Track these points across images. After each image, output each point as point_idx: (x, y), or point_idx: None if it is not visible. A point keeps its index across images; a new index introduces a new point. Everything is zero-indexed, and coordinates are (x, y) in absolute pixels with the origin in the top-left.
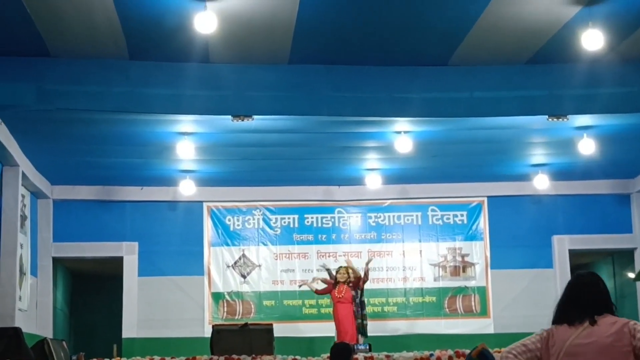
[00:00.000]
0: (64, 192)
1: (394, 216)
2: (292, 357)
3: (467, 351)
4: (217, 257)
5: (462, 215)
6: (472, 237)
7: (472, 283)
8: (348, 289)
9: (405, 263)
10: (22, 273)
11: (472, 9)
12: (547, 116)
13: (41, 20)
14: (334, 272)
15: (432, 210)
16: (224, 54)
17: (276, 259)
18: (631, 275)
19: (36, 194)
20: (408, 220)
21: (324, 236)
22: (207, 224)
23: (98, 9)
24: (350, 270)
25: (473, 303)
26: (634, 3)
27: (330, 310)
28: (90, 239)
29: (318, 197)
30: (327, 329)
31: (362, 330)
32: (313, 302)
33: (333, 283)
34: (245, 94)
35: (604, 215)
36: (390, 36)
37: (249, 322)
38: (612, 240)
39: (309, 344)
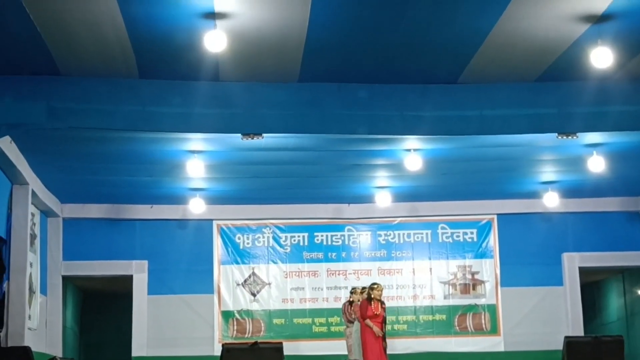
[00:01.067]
0: (74, 211)
1: (403, 234)
2: None
3: None
4: (227, 275)
5: (472, 232)
6: (482, 254)
7: (482, 301)
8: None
9: (415, 281)
10: (31, 292)
11: (481, 26)
12: (556, 134)
13: (52, 39)
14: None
15: (442, 228)
16: (233, 72)
17: (286, 277)
18: None
19: (46, 213)
20: (418, 238)
21: (334, 254)
22: (217, 242)
23: (108, 27)
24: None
25: (483, 321)
26: None
27: (341, 328)
28: (100, 257)
29: (328, 215)
30: (337, 348)
31: None
32: (323, 320)
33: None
34: (255, 112)
35: (614, 232)
36: (399, 54)
37: (259, 341)
38: (622, 257)
39: None
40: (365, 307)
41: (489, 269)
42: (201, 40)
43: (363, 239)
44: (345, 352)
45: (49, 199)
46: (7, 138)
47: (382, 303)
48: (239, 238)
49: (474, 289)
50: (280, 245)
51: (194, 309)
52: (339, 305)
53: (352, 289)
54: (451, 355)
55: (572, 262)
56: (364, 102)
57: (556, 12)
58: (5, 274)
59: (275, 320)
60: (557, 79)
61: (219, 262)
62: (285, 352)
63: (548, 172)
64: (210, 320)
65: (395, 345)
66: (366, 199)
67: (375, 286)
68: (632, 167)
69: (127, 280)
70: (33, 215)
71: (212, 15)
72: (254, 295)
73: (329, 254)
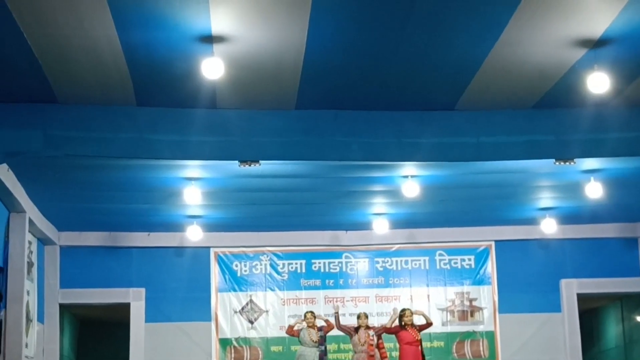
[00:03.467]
0: (71, 239)
1: (401, 261)
2: None
3: None
4: (224, 303)
5: (469, 259)
6: (479, 281)
7: (480, 328)
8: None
9: (413, 308)
10: (28, 320)
11: (477, 52)
12: (554, 160)
13: (49, 67)
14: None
15: (440, 254)
16: (231, 99)
17: (283, 305)
18: None
19: (43, 241)
20: (415, 264)
21: (332, 281)
22: (214, 270)
23: (106, 55)
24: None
25: (481, 348)
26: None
27: (339, 355)
28: (97, 285)
29: (325, 242)
30: None
31: None
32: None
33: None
34: (252, 139)
35: (612, 258)
36: (397, 81)
37: None
38: (621, 284)
39: None
40: (399, 330)
41: (487, 296)
42: (199, 67)
43: (361, 265)
44: None
45: (46, 227)
46: (4, 166)
47: (415, 327)
48: (236, 265)
49: (472, 315)
50: (278, 273)
51: (191, 336)
52: (337, 332)
53: (358, 314)
54: None
55: (571, 289)
56: (361, 129)
57: (552, 37)
58: (2, 302)
59: (273, 348)
60: (554, 106)
61: (217, 290)
62: None
63: (545, 199)
64: (207, 348)
65: None
66: (363, 225)
67: (403, 313)
68: (630, 193)
69: (124, 308)
70: (30, 243)
71: (209, 39)
72: (251, 322)
73: (327, 281)
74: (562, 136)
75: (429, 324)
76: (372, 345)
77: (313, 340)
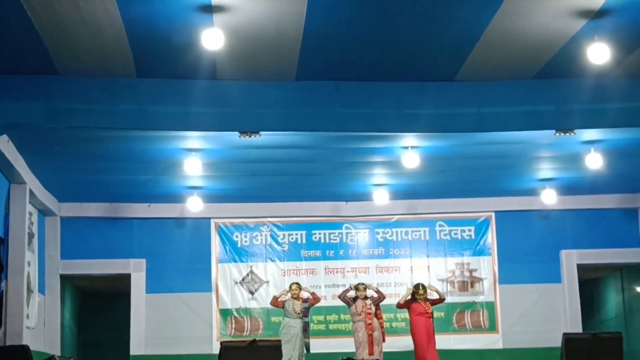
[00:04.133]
0: (72, 210)
1: (401, 232)
2: None
3: None
4: (224, 274)
5: (469, 230)
6: (480, 252)
7: (480, 298)
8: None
9: (413, 279)
10: (29, 291)
11: (477, 23)
12: (554, 131)
13: (49, 38)
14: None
15: (440, 225)
16: (231, 70)
17: (284, 275)
18: None
19: (44, 212)
20: (416, 235)
21: (332, 252)
22: (215, 241)
23: (106, 26)
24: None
25: (481, 318)
26: None
27: (339, 326)
28: (98, 256)
29: (326, 213)
30: (335, 345)
31: (307, 348)
32: (321, 318)
33: (411, 299)
34: (252, 110)
35: (612, 229)
36: (397, 52)
37: (257, 339)
38: (621, 254)
39: None
40: (411, 303)
41: (487, 267)
42: (199, 38)
43: (361, 236)
44: (345, 350)
45: (47, 198)
46: (5, 137)
47: (429, 300)
48: (236, 236)
49: (472, 286)
50: (278, 244)
51: (192, 307)
52: (337, 303)
53: (357, 285)
54: (449, 353)
55: (571, 259)
56: (361, 99)
57: (552, 7)
58: (3, 273)
59: (274, 318)
60: (554, 76)
61: (217, 261)
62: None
63: (546, 169)
64: (208, 319)
65: (394, 343)
66: (364, 196)
67: (416, 289)
68: (630, 163)
69: (125, 279)
70: (31, 214)
71: (209, 9)
72: (252, 293)
73: (327, 251)
74: (562, 107)
75: (441, 299)
76: (370, 314)
77: (296, 312)
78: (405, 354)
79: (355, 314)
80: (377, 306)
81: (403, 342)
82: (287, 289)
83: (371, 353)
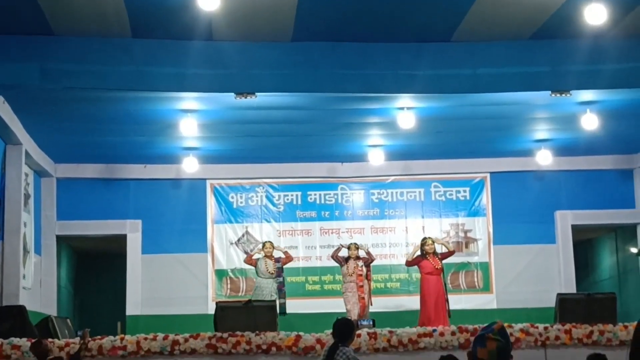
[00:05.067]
0: (68, 171)
1: (396, 192)
2: (296, 333)
3: (470, 327)
4: (220, 235)
5: (464, 191)
6: (474, 213)
7: (475, 259)
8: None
9: (408, 239)
10: (26, 252)
11: None
12: (550, 92)
13: None
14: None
15: (435, 186)
16: (227, 31)
17: (279, 236)
18: (634, 250)
19: (40, 173)
20: (411, 196)
21: (327, 213)
22: (211, 202)
23: None
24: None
25: (476, 279)
26: None
27: (334, 286)
28: (94, 217)
29: (321, 174)
30: (330, 305)
31: (282, 309)
32: (316, 278)
33: (422, 255)
34: (248, 71)
35: (607, 190)
36: (393, 12)
37: (253, 299)
38: (615, 215)
39: (313, 320)
40: (420, 261)
41: (481, 227)
42: None
43: (356, 197)
44: (340, 310)
45: (43, 159)
46: (0, 98)
47: (437, 255)
48: (232, 197)
49: (466, 247)
50: (274, 204)
51: (187, 268)
52: (332, 263)
53: (349, 245)
54: None
55: (565, 220)
56: (357, 60)
57: None
58: (0, 234)
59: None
60: (551, 37)
61: (213, 222)
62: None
63: (541, 130)
64: (204, 279)
65: (388, 303)
66: (359, 157)
67: (424, 242)
68: (626, 124)
69: (121, 240)
70: (27, 175)
71: None
72: (247, 254)
73: (322, 212)
74: (558, 68)
75: (450, 252)
76: (361, 275)
77: (269, 271)
78: (398, 314)
79: (346, 274)
80: (368, 267)
81: (397, 302)
82: (261, 247)
83: (361, 314)
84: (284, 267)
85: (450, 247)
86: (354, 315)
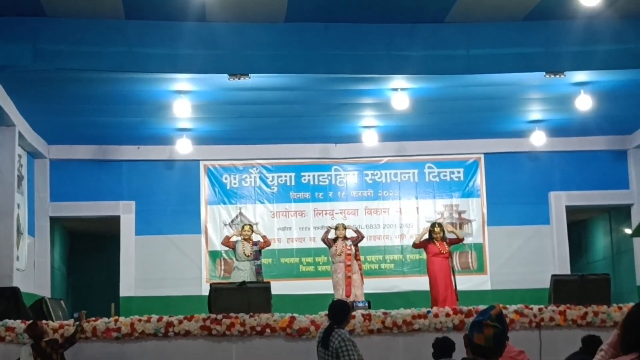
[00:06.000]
0: (61, 152)
1: (390, 174)
2: (290, 314)
3: (464, 308)
4: (214, 216)
5: (458, 172)
6: (468, 194)
7: (469, 240)
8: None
9: (402, 220)
10: (19, 233)
11: None
12: (544, 73)
13: None
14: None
15: (429, 167)
16: (220, 12)
17: (273, 217)
18: (628, 231)
19: (33, 154)
20: (405, 177)
21: (321, 194)
22: (204, 183)
23: None
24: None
25: (470, 260)
26: None
27: (328, 267)
28: (88, 198)
29: (315, 155)
30: (324, 287)
31: None
32: (310, 259)
33: (428, 239)
34: (241, 52)
35: (601, 171)
36: None
37: (247, 280)
38: (609, 196)
39: (307, 302)
40: (427, 244)
41: (475, 208)
42: None
43: (350, 178)
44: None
45: (36, 141)
46: None
47: (446, 240)
48: (225, 178)
49: (460, 228)
50: (267, 185)
51: (181, 249)
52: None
53: (336, 225)
54: None
55: (559, 201)
56: (351, 41)
57: None
58: None
59: (263, 260)
60: (545, 18)
61: (206, 203)
62: (273, 291)
63: (535, 111)
64: (197, 261)
65: (382, 284)
66: (353, 138)
67: (432, 228)
68: (619, 105)
69: (115, 221)
70: (20, 156)
71: None
72: (241, 235)
73: (316, 193)
74: (552, 49)
75: (459, 240)
76: (349, 255)
77: (246, 254)
78: (392, 295)
79: (335, 255)
80: (357, 247)
81: (390, 283)
82: (240, 229)
83: (348, 294)
84: (262, 250)
85: (459, 235)
86: (339, 296)
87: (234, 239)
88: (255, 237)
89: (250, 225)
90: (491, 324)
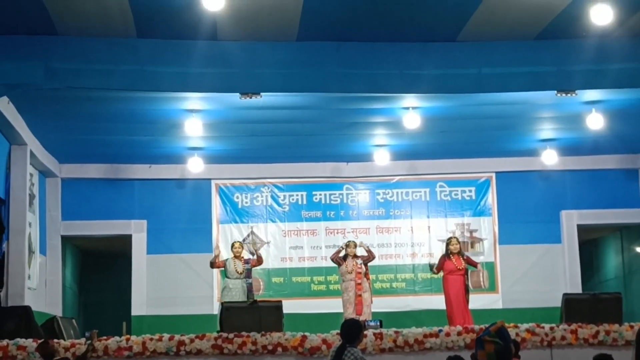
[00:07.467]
0: (72, 171)
1: (402, 192)
2: (302, 333)
3: (475, 327)
4: (225, 235)
5: (470, 191)
6: (480, 212)
7: (480, 258)
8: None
9: (414, 239)
10: (31, 252)
11: None
12: (555, 91)
13: None
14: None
15: (441, 186)
16: (231, 31)
17: (284, 236)
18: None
19: (44, 173)
20: (416, 196)
21: (332, 213)
22: (216, 202)
23: None
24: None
25: (481, 278)
26: None
27: (339, 286)
28: (99, 217)
29: (326, 173)
30: (335, 306)
31: None
32: (322, 278)
33: (445, 255)
34: (253, 71)
35: (612, 190)
36: (398, 12)
37: (258, 299)
38: (621, 215)
39: (318, 321)
40: (443, 262)
41: (487, 227)
42: None
43: (361, 197)
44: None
45: (47, 159)
46: (5, 98)
47: (463, 256)
48: (237, 197)
49: (472, 247)
50: (279, 204)
51: (192, 268)
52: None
53: (347, 242)
54: None
55: (571, 220)
56: (363, 60)
57: None
58: (5, 234)
59: (274, 279)
60: (556, 37)
61: (218, 222)
62: (285, 310)
63: (547, 130)
64: (209, 279)
65: (394, 303)
66: (365, 157)
67: (449, 241)
68: (631, 124)
69: (126, 240)
70: (31, 175)
71: None
72: (252, 254)
73: (328, 212)
74: (564, 67)
75: (475, 264)
76: (360, 273)
77: (238, 272)
78: (404, 314)
79: (345, 273)
80: (366, 266)
81: (403, 302)
82: (230, 247)
83: (359, 313)
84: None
85: (473, 262)
86: (348, 314)
87: (222, 257)
88: (246, 255)
89: (240, 242)
90: (490, 340)
